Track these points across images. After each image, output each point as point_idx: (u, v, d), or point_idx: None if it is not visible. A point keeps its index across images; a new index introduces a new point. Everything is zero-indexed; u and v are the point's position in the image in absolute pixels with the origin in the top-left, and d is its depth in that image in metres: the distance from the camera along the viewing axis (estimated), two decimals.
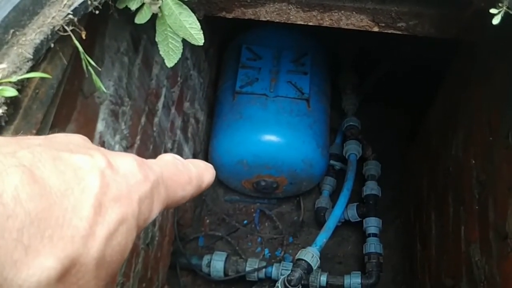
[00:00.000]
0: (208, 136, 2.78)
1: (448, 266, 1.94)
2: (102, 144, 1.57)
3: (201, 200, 2.90)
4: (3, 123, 0.95)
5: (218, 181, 2.94)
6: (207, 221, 2.97)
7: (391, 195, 2.95)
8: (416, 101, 2.95)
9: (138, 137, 1.87)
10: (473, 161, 1.75)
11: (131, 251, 1.66)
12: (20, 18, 1.00)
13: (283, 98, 2.51)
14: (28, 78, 1.01)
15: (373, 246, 2.52)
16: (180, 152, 2.43)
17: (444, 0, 1.25)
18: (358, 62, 3.04)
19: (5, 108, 0.94)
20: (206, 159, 2.87)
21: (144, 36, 1.86)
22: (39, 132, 1.10)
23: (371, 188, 2.68)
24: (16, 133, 1.01)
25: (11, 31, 0.99)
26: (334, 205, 2.59)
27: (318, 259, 2.17)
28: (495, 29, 1.09)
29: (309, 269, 2.12)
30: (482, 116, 1.70)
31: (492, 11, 1.03)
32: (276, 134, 2.44)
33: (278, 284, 2.20)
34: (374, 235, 2.57)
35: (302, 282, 2.14)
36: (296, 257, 2.20)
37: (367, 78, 3.02)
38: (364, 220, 2.62)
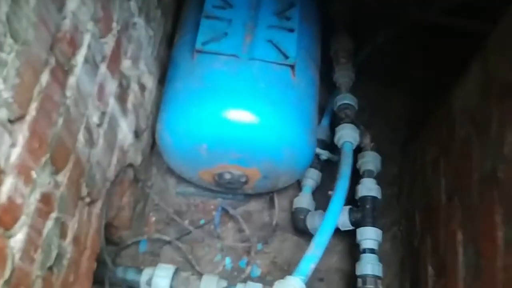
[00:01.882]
0: (158, 108, 2.08)
1: None
2: None
3: (144, 192, 2.21)
4: None
5: (169, 169, 2.26)
6: (153, 219, 2.29)
7: (389, 194, 2.33)
8: (426, 77, 2.33)
9: (35, 105, 1.17)
10: None
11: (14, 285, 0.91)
12: None
13: (260, 62, 1.84)
14: None
15: (369, 266, 1.90)
16: (113, 129, 1.73)
17: None
18: (355, 23, 2.38)
19: None
20: (152, 139, 2.19)
21: None
22: None
23: (368, 188, 2.06)
24: None
25: None
26: (318, 208, 1.95)
27: None
28: None
29: None
30: None
31: None
32: (250, 110, 1.78)
33: None
34: (371, 251, 1.95)
35: None
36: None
37: (367, 44, 2.37)
38: (357, 231, 2.00)
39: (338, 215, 1.75)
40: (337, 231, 2.13)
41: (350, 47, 2.32)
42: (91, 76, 1.48)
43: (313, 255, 1.60)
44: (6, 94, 1.04)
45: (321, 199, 2.25)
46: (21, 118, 1.12)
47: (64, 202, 1.38)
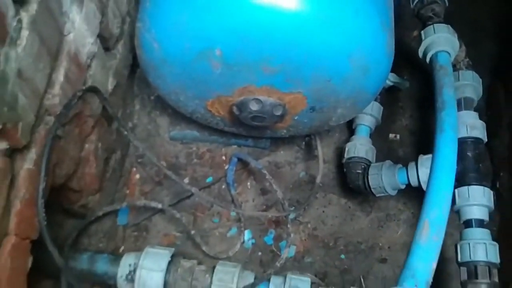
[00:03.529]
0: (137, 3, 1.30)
1: None
2: None
3: (122, 138, 1.47)
4: None
5: (158, 101, 1.52)
6: (136, 177, 1.56)
7: None
8: None
9: None
10: None
11: None
12: None
13: None
14: None
15: (481, 249, 1.19)
16: (52, 16, 0.97)
17: None
18: None
19: None
20: (133, 56, 1.44)
21: None
22: None
23: (469, 125, 1.32)
24: None
25: None
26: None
27: None
28: None
29: None
30: None
31: None
32: None
33: None
34: (480, 223, 1.24)
35: None
36: None
37: None
38: (456, 191, 1.27)
39: (454, 166, 1.01)
40: (408, 190, 1.43)
41: None
42: None
43: (431, 242, 0.86)
44: None
45: (378, 146, 1.54)
46: None
47: None
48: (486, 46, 1.78)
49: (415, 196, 1.58)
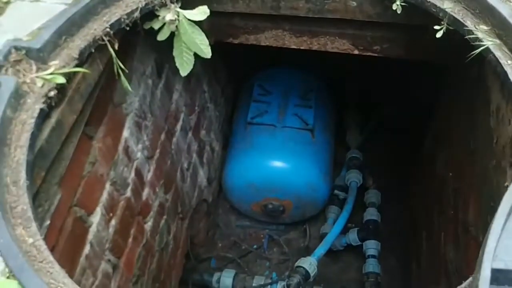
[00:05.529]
0: (222, 165, 3.05)
1: (433, 273, 2.13)
2: (126, 148, 1.86)
3: (214, 223, 3.14)
4: (53, 104, 1.25)
5: (231, 207, 3.19)
6: (220, 244, 3.19)
7: (393, 225, 3.13)
8: (416, 136, 3.20)
9: (158, 150, 2.15)
10: (450, 174, 1.98)
11: (147, 249, 1.89)
12: (70, 28, 1.32)
13: (290, 129, 2.79)
14: (73, 73, 1.31)
15: (371, 266, 2.70)
16: (195, 174, 2.70)
17: (409, 27, 1.53)
18: (362, 100, 3.32)
19: (56, 91, 1.24)
20: (219, 185, 3.14)
21: (166, 65, 2.18)
22: (77, 120, 1.39)
23: (371, 214, 2.89)
24: (62, 115, 1.30)
25: (63, 37, 1.30)
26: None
27: (315, 268, 2.36)
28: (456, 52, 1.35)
29: (306, 276, 2.32)
30: (457, 135, 1.95)
31: (436, 27, 1.32)
32: (282, 160, 2.71)
33: None
34: (373, 256, 2.75)
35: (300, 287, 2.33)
36: (295, 264, 2.40)
37: (369, 122, 3.30)
38: (364, 243, 2.82)
39: (342, 224, 2.60)
40: (353, 251, 2.97)
41: (357, 118, 3.24)
42: (184, 138, 2.48)
43: (323, 246, 2.44)
44: (147, 143, 2.04)
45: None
46: (152, 157, 2.11)
47: (169, 211, 2.33)
48: (400, 178, 3.36)
49: (359, 256, 3.09)
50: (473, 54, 1.26)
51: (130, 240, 1.94)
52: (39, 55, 1.25)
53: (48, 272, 0.93)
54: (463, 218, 1.70)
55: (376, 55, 1.70)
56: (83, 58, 1.35)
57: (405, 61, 1.87)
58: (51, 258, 0.94)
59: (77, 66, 1.31)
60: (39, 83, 1.22)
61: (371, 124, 3.33)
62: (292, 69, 3.09)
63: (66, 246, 1.45)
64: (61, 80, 1.23)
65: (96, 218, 1.64)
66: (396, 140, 3.31)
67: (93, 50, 1.36)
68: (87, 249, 1.60)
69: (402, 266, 2.95)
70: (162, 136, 2.20)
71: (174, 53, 1.54)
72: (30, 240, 0.97)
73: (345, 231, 2.87)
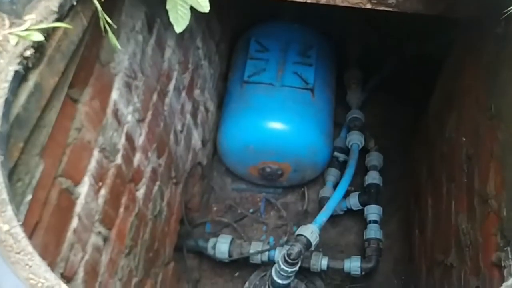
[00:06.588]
0: (217, 126, 2.90)
1: (440, 242, 2.03)
2: (116, 111, 1.70)
3: (209, 187, 3.02)
4: (30, 65, 1.09)
5: (226, 170, 3.06)
6: (215, 208, 3.08)
7: (394, 188, 3.03)
8: (419, 96, 3.06)
9: (150, 112, 2.00)
10: (464, 139, 1.85)
11: (139, 218, 1.76)
12: None
13: (289, 88, 2.63)
14: (52, 30, 1.14)
15: (373, 232, 2.61)
16: (189, 136, 2.56)
17: None
18: (363, 58, 3.16)
19: (32, 51, 1.08)
20: (214, 147, 3.00)
21: (157, 20, 2.00)
22: (60, 82, 1.23)
23: (372, 177, 2.78)
24: (41, 78, 1.14)
25: None
26: None
27: (318, 236, 2.26)
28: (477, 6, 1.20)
29: (308, 245, 2.22)
30: (471, 96, 1.81)
31: None
32: (281, 121, 2.56)
33: (278, 259, 2.29)
34: (375, 221, 2.66)
35: (301, 256, 2.23)
36: (296, 233, 2.30)
37: (371, 79, 3.14)
38: (365, 208, 2.72)
39: (344, 189, 2.49)
40: (352, 214, 2.87)
41: (358, 76, 3.08)
42: (177, 98, 2.32)
43: (325, 212, 2.33)
44: (138, 104, 1.88)
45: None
46: (143, 120, 1.95)
47: (163, 177, 2.19)
48: (403, 139, 3.24)
49: (359, 218, 3.00)
50: (509, 11, 1.11)
51: (122, 209, 1.81)
52: (12, 8, 1.08)
53: (27, 266, 0.80)
54: (479, 188, 1.58)
55: (390, 9, 1.54)
56: (64, 12, 1.18)
57: (412, 14, 1.72)
58: (30, 248, 0.81)
59: (57, 20, 1.14)
60: (13, 41, 1.06)
61: (374, 81, 3.18)
62: (291, 24, 2.90)
63: (51, 221, 1.32)
64: (39, 37, 1.07)
65: (84, 189, 1.50)
66: (399, 100, 3.18)
67: (75, 2, 1.20)
68: (75, 222, 1.46)
69: (403, 231, 2.87)
70: (154, 97, 2.04)
71: (168, 7, 1.36)
72: (6, 227, 0.83)
73: (345, 195, 2.75)
